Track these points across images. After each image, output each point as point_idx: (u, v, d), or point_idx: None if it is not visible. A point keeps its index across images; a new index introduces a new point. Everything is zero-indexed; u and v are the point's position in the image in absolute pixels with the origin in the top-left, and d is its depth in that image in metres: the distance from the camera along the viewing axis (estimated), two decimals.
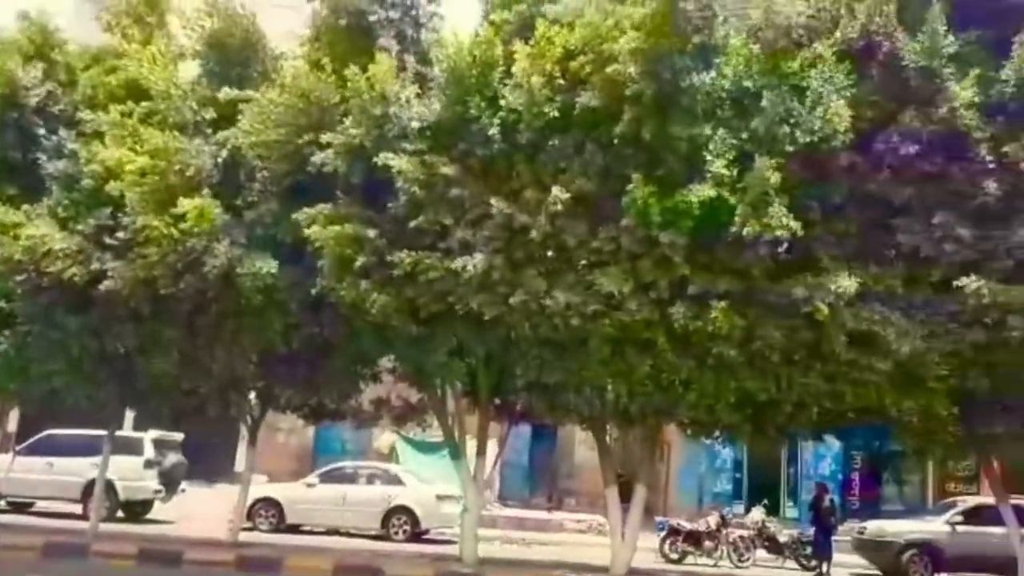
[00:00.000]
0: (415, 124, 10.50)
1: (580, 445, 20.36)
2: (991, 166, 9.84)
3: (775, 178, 9.47)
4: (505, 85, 10.14)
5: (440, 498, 15.77)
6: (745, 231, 9.48)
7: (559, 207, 9.80)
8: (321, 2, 11.63)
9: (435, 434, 16.33)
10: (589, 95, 9.92)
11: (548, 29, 10.12)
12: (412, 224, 10.37)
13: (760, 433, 11.88)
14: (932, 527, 15.77)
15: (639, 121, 9.86)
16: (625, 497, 12.41)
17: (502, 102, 10.14)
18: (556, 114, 9.93)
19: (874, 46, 10.19)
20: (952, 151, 9.91)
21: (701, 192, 9.48)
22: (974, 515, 15.18)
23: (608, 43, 9.89)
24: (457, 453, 12.59)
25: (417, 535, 15.88)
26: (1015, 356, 9.82)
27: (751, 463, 21.70)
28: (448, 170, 10.24)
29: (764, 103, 9.84)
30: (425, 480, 16.84)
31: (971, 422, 10.50)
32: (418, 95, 10.77)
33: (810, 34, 10.23)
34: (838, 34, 10.31)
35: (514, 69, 9.98)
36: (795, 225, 9.53)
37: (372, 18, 11.15)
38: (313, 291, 10.71)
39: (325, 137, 10.48)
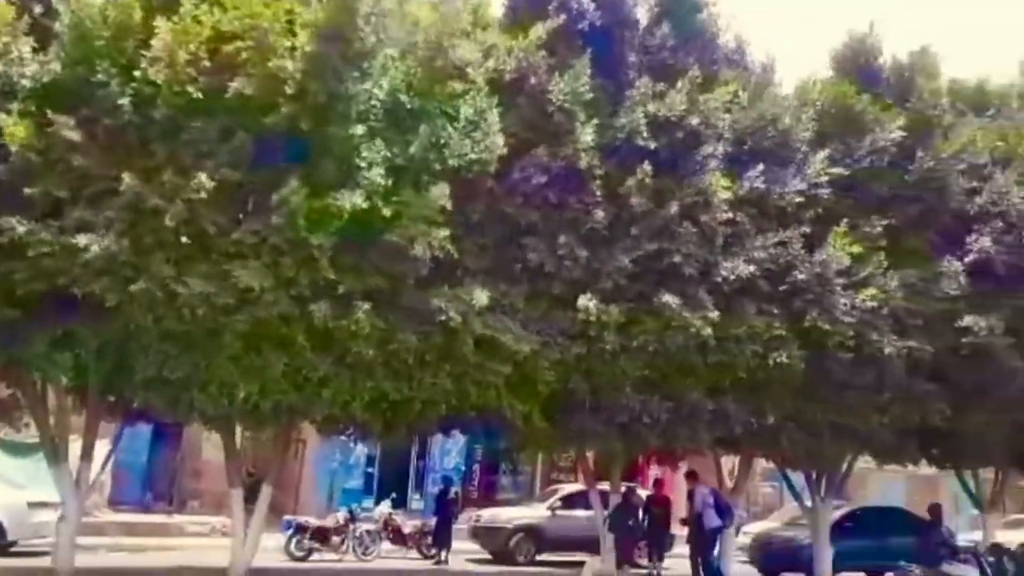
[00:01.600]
0: (26, 82, 9.14)
1: (207, 444, 19.29)
2: (599, 199, 11.37)
3: (445, 201, 9.85)
4: (143, 57, 9.21)
5: (32, 505, 13.88)
6: (415, 250, 9.74)
7: (202, 195, 9.16)
8: None
9: (33, 435, 14.29)
10: (244, 82, 9.42)
11: (196, 7, 9.39)
12: (25, 191, 9.01)
13: (392, 430, 12.38)
14: (536, 513, 17.74)
15: (296, 118, 9.63)
16: (256, 496, 12.06)
17: (137, 73, 9.21)
18: (200, 95, 9.28)
19: (523, 80, 11.20)
20: (573, 183, 11.26)
21: (354, 199, 9.52)
22: (570, 501, 17.37)
23: (275, 36, 9.45)
24: (54, 456, 11.19)
25: (3, 547, 13.80)
26: (607, 366, 11.42)
27: (383, 459, 22.38)
28: (70, 134, 9.04)
29: (421, 124, 10.17)
30: (17, 485, 14.70)
31: (571, 420, 11.92)
32: (36, 49, 9.38)
33: (464, 64, 10.81)
34: (491, 63, 11.14)
35: (154, 42, 9.11)
36: (452, 249, 10.06)
37: None
38: None
39: None
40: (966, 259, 12.73)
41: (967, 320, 12.30)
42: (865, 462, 16.23)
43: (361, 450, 21.62)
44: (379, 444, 19.28)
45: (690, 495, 14.34)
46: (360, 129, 9.81)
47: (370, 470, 22.62)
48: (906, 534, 14.93)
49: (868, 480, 24.17)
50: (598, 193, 11.38)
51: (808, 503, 15.03)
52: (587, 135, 11.28)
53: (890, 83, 13.72)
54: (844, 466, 14.92)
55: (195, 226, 9.38)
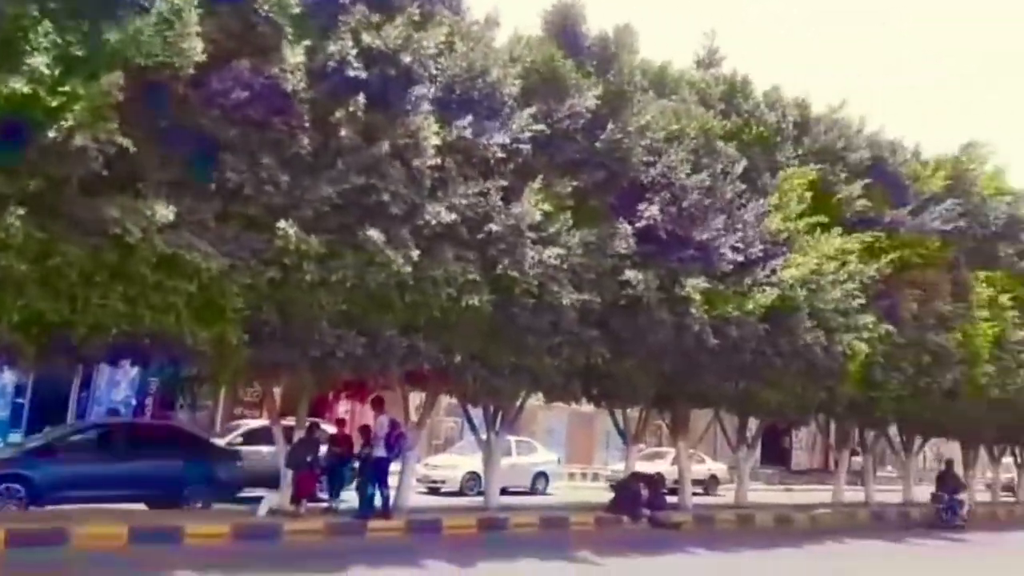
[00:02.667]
0: None
1: None
2: (306, 124, 10.93)
3: (116, 91, 8.78)
4: None
5: None
6: (77, 140, 8.57)
7: None
8: None
9: None
10: None
11: None
12: None
13: (48, 356, 11.02)
14: None
15: None
16: None
17: None
18: None
19: None
20: (277, 104, 10.67)
21: (14, 85, 8.17)
22: (251, 436, 16.81)
23: None
24: None
25: None
26: (304, 297, 11.13)
27: (37, 388, 19.92)
28: None
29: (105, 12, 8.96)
30: None
31: (262, 351, 11.46)
32: None
33: None
34: None
35: None
36: (127, 142, 9.02)
37: None
38: None
39: None
40: (636, 224, 14.25)
41: (629, 275, 13.78)
42: (536, 400, 17.71)
43: (8, 377, 19.02)
44: (32, 371, 17.06)
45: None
46: (34, 9, 8.43)
47: (20, 400, 20.01)
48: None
49: (537, 416, 26.45)
50: (305, 118, 10.95)
51: (484, 436, 16.08)
52: (296, 56, 10.76)
53: (593, 52, 14.78)
54: (518, 403, 16.14)
55: None
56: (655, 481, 17.58)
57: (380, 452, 13.76)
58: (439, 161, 11.98)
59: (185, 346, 10.79)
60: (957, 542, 17.72)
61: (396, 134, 11.57)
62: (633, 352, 14.61)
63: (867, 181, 19.11)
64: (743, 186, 16.22)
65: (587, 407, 23.22)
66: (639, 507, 16.25)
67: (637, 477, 17.25)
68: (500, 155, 12.76)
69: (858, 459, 26.39)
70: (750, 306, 15.14)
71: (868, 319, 17.49)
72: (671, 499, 18.08)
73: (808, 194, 17.41)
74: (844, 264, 17.25)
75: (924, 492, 22.50)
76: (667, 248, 14.56)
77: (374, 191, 11.30)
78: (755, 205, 16.30)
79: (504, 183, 12.69)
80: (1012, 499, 28.43)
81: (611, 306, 13.93)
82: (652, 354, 14.78)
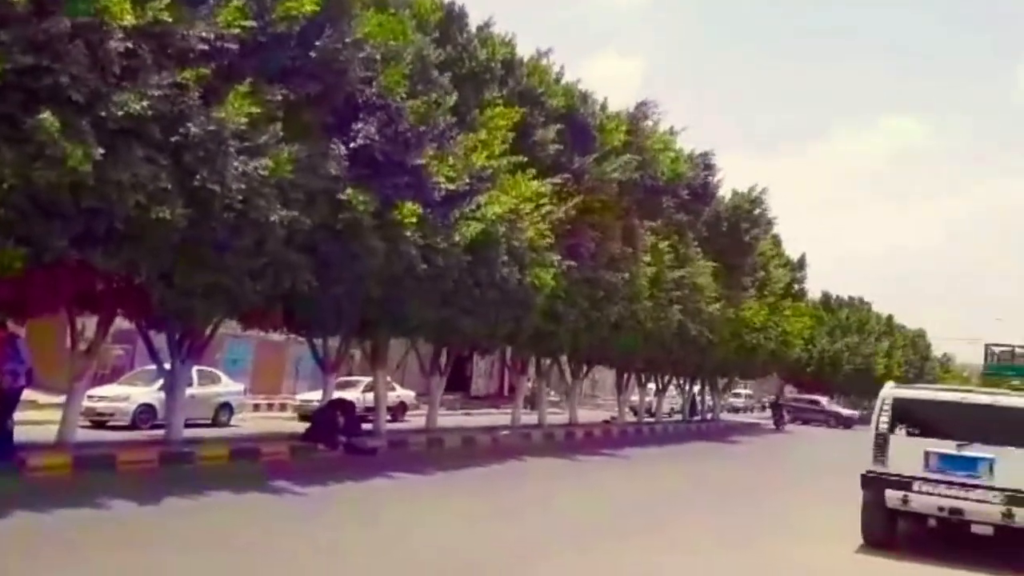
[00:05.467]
0: None
1: None
2: None
3: None
4: None
5: None
6: None
7: None
8: None
9: None
10: None
11: None
12: None
13: None
14: None
15: None
16: None
17: None
18: None
19: None
20: None
21: None
22: None
23: None
24: None
25: None
26: None
27: None
28: None
29: None
30: None
31: None
32: None
33: None
34: None
35: None
36: None
37: None
38: None
39: None
40: (351, 144, 13.68)
41: (347, 193, 13.21)
42: (224, 327, 16.53)
43: None
44: None
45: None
46: None
47: None
48: None
49: (223, 344, 24.85)
50: None
51: (168, 365, 14.67)
52: None
53: None
54: (208, 330, 14.92)
55: None
56: (350, 408, 17.47)
57: (18, 382, 11.79)
58: (131, 46, 10.35)
59: None
60: (618, 457, 20.04)
61: (78, 9, 9.73)
62: (341, 279, 14.14)
63: (560, 127, 20.38)
64: (454, 118, 16.33)
65: (277, 335, 22.36)
66: (336, 434, 16.05)
67: (334, 405, 17.00)
68: (203, 48, 11.39)
69: (530, 385, 28.74)
70: (456, 238, 15.43)
71: (555, 257, 18.87)
72: (366, 426, 18.11)
73: (511, 134, 18.08)
74: (539, 206, 18.32)
75: (586, 415, 25.20)
76: (381, 172, 14.21)
77: (48, 73, 9.44)
78: (464, 139, 16.55)
79: (206, 75, 11.35)
80: (652, 420, 32.93)
81: (321, 228, 13.28)
82: (360, 281, 14.44)
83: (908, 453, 9.83)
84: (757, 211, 32.80)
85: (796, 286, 41.94)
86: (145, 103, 10.32)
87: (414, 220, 14.20)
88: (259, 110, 11.99)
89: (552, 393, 39.76)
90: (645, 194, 24.04)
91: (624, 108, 24.36)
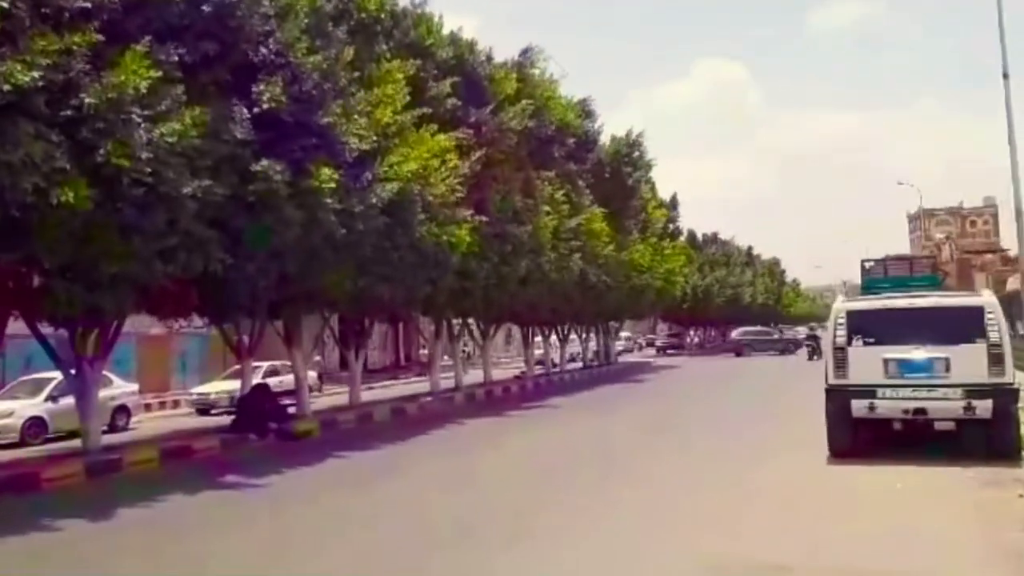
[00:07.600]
0: None
1: None
2: None
3: None
4: None
5: None
6: None
7: None
8: None
9: None
10: None
11: None
12: None
13: None
14: None
15: None
16: None
17: None
18: None
19: None
20: None
21: None
22: None
23: None
24: None
25: None
26: None
27: None
28: None
29: None
30: None
31: None
32: None
33: None
34: None
35: None
36: None
37: None
38: None
39: None
40: (255, 108, 12.55)
41: (262, 164, 12.16)
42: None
43: None
44: None
45: None
46: None
47: None
48: None
49: None
50: None
51: (73, 369, 13.14)
52: None
53: None
54: (113, 325, 13.45)
55: None
56: (271, 394, 16.46)
57: None
58: (5, 4, 8.93)
59: None
60: (549, 407, 19.96)
61: None
62: (254, 255, 13.02)
63: (455, 80, 19.73)
64: (355, 73, 15.39)
65: (156, 329, 20.85)
66: (264, 422, 15.05)
67: (258, 391, 15.93)
68: (83, 5, 10.04)
69: (424, 352, 28.17)
70: (373, 199, 14.61)
71: (466, 212, 18.36)
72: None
73: (407, 89, 17.29)
74: (444, 162, 17.69)
75: (499, 372, 24.94)
76: (288, 134, 13.14)
77: None
78: (365, 95, 15.65)
79: (96, 39, 10.01)
80: (558, 370, 33.16)
81: (231, 200, 12.12)
82: (275, 256, 13.39)
83: (867, 362, 10.14)
84: (636, 153, 33.39)
85: (671, 225, 43.33)
86: (36, 74, 8.97)
87: (332, 185, 13.26)
88: (158, 73, 10.73)
89: (445, 358, 39.50)
90: (538, 144, 23.81)
91: (510, 57, 23.93)
